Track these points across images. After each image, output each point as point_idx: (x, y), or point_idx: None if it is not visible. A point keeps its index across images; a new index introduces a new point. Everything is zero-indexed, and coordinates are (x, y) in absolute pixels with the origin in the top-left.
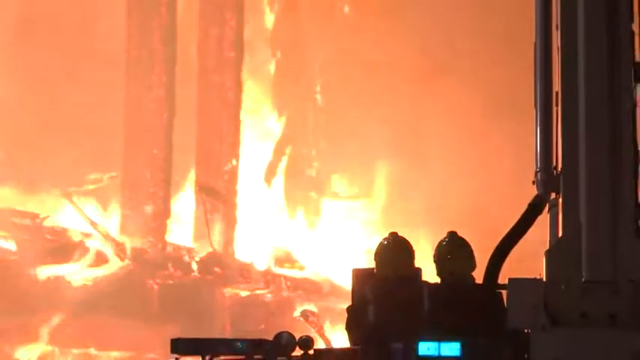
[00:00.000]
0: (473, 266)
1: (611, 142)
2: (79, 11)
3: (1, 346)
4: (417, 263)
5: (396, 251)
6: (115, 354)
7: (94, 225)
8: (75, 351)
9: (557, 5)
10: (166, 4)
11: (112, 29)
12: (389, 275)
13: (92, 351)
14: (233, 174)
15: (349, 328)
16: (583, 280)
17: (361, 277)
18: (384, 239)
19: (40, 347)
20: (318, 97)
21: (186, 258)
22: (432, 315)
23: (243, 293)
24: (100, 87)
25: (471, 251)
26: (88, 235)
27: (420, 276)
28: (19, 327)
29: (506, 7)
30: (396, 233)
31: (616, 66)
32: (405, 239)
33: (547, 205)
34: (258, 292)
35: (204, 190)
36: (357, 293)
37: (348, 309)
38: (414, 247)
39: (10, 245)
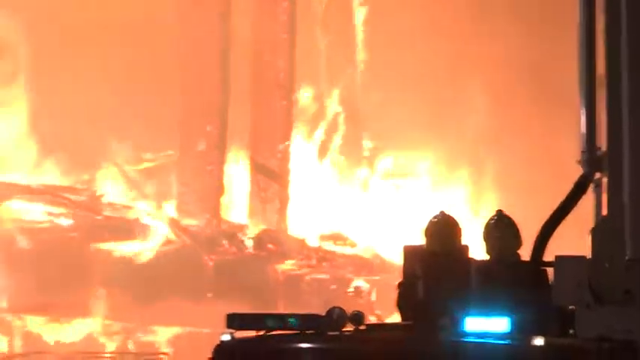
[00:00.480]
0: (519, 244)
1: None
2: None
3: (60, 320)
4: (465, 241)
5: (444, 229)
6: (171, 329)
7: (150, 202)
8: (131, 326)
9: None
10: None
11: (165, 9)
12: (437, 251)
13: (148, 326)
14: (286, 153)
15: (399, 304)
16: (627, 258)
17: (412, 253)
18: (433, 217)
19: (98, 321)
20: (370, 78)
21: (241, 235)
22: (479, 291)
23: (296, 269)
24: (154, 66)
25: (518, 230)
26: (144, 212)
27: (467, 252)
28: (76, 302)
29: None
30: (444, 212)
31: None
32: (452, 217)
33: (591, 185)
34: (310, 268)
35: (258, 169)
36: (407, 269)
37: (398, 285)
38: (461, 225)
39: (68, 222)
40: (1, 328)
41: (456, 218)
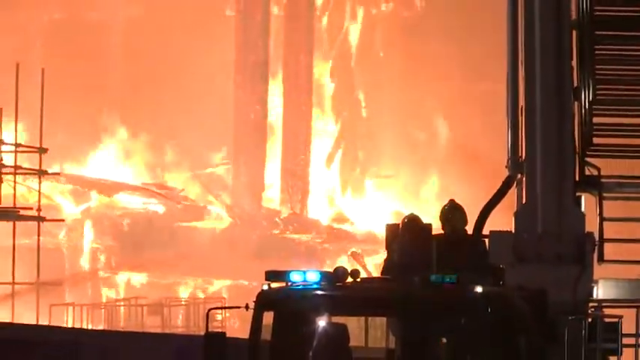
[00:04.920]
0: (466, 223)
1: (558, 141)
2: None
3: (150, 275)
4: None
5: (414, 221)
6: (227, 282)
7: (216, 195)
8: (200, 280)
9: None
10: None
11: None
12: (411, 231)
13: (214, 280)
14: (306, 160)
15: (384, 267)
16: (539, 232)
17: (392, 229)
18: (405, 217)
19: (175, 277)
20: (364, 111)
21: (275, 218)
22: (439, 257)
23: (313, 241)
24: (211, 101)
25: (464, 213)
26: (210, 202)
27: (430, 231)
28: (163, 263)
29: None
30: (413, 216)
31: (561, 90)
32: (418, 218)
33: (515, 182)
34: (322, 240)
35: (287, 171)
36: (389, 244)
37: (385, 260)
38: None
39: (159, 208)
40: (110, 281)
41: (420, 218)
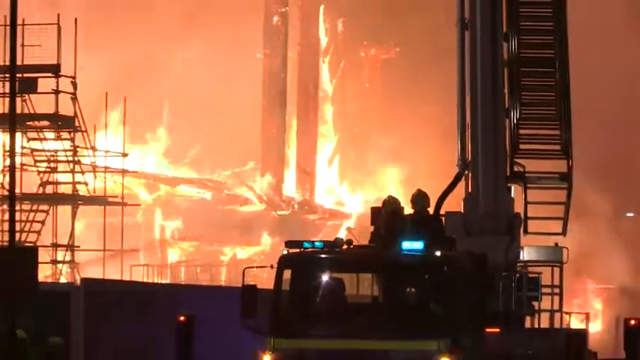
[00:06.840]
0: (429, 205)
1: (494, 147)
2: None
3: (203, 243)
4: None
5: (393, 203)
6: (256, 248)
7: (249, 187)
8: (238, 247)
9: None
10: (282, 72)
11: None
12: (388, 212)
13: (248, 247)
14: (314, 161)
15: (371, 239)
16: (480, 212)
17: (375, 211)
18: (387, 197)
19: (220, 245)
20: (356, 129)
21: (292, 202)
22: (409, 230)
23: (318, 219)
24: (244, 120)
25: (428, 198)
26: (245, 192)
27: (403, 211)
28: (212, 234)
29: None
30: (392, 199)
31: (496, 111)
32: (396, 198)
33: (463, 176)
34: (324, 219)
35: (300, 169)
36: (373, 221)
37: (371, 233)
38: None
39: (207, 195)
40: (174, 248)
41: (398, 199)
